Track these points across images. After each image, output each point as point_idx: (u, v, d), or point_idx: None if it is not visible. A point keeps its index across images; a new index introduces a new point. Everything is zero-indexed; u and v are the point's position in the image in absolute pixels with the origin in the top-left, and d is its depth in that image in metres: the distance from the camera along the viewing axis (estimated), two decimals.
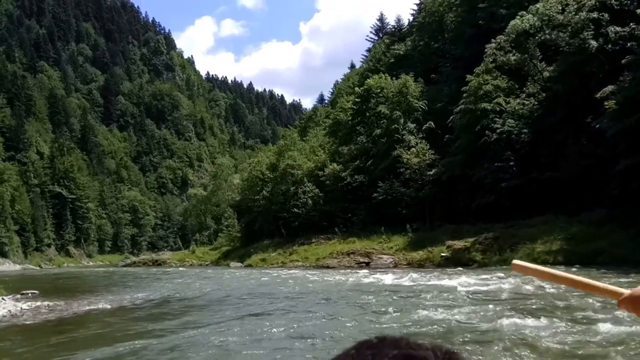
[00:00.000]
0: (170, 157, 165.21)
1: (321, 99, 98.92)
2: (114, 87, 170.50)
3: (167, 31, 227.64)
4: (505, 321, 10.26)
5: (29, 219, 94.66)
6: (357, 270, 29.79)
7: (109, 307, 16.04)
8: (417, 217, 38.70)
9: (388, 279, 21.53)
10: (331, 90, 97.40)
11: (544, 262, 24.34)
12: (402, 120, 43.05)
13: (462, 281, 17.84)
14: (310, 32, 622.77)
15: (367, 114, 48.31)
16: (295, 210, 48.84)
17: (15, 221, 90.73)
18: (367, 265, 32.86)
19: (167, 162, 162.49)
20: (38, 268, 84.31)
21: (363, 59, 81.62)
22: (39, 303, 17.02)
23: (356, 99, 50.21)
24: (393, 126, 42.93)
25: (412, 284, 18.76)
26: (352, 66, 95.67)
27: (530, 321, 10.18)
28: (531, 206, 31.75)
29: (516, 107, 34.18)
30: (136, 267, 61.07)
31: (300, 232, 47.85)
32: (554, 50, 32.14)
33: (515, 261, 1.62)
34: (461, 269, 26.20)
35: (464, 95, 36.72)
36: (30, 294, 22.11)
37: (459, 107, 36.34)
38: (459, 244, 30.97)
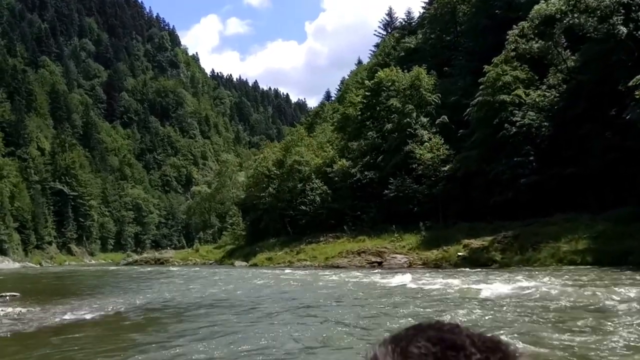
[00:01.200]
0: (175, 155, 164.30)
1: (328, 96, 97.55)
2: (118, 83, 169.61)
3: (171, 27, 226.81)
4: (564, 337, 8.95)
5: (29, 216, 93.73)
6: (370, 271, 28.54)
7: (89, 316, 14.07)
8: (430, 214, 37.34)
9: (407, 280, 20.21)
10: (338, 88, 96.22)
11: (571, 263, 23.09)
12: (414, 114, 41.69)
13: (492, 286, 16.43)
14: (315, 32, 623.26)
15: (378, 108, 46.97)
16: (303, 207, 47.58)
17: (15, 218, 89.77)
18: (379, 265, 31.56)
19: (171, 159, 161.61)
20: (38, 266, 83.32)
21: (371, 54, 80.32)
22: (9, 309, 15.03)
23: (366, 93, 48.86)
24: (405, 120, 41.57)
25: (438, 287, 17.18)
26: (359, 62, 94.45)
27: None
28: (551, 203, 30.45)
29: (537, 99, 32.79)
30: (137, 266, 59.90)
31: (308, 231, 46.59)
32: (578, 38, 30.76)
33: None
34: (482, 269, 24.86)
35: (481, 87, 35.37)
36: (8, 297, 20.27)
37: (476, 100, 34.98)
38: (476, 242, 29.66)
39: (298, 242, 45.47)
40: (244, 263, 46.88)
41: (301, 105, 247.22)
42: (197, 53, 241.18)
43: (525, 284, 16.11)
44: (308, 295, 18.16)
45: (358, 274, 26.55)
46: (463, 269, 26.58)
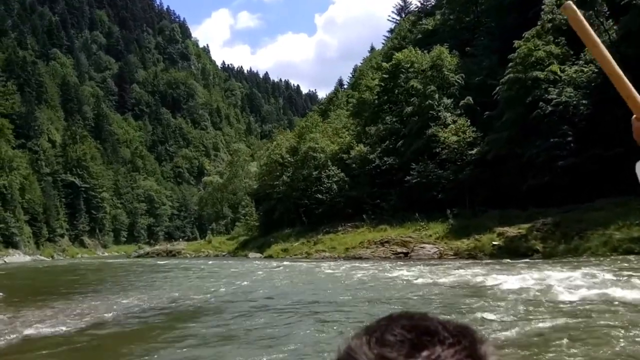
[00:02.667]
0: (186, 147, 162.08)
1: (340, 84, 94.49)
2: (129, 76, 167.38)
3: (182, 19, 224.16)
4: None
5: (41, 208, 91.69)
6: (397, 262, 25.89)
7: (63, 329, 11.18)
8: (455, 201, 34.54)
9: (447, 274, 17.52)
10: (350, 75, 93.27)
11: (628, 252, 20.30)
12: (436, 96, 38.86)
13: (557, 279, 13.67)
14: (325, 24, 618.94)
15: (396, 91, 44.17)
16: (319, 196, 44.92)
17: (26, 211, 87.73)
18: (405, 255, 28.91)
19: (183, 151, 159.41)
20: (49, 259, 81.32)
21: (385, 40, 77.27)
22: None
23: (383, 76, 46.02)
24: (427, 102, 38.74)
25: (514, 286, 14.09)
26: (372, 49, 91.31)
27: None
28: (592, 187, 27.63)
29: (573, 75, 29.87)
30: (148, 258, 57.64)
31: (325, 220, 43.95)
32: (622, 7, 27.78)
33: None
34: (527, 260, 22.15)
35: (510, 64, 32.51)
36: None
37: (506, 77, 32.10)
38: (511, 231, 26.90)
39: (314, 233, 42.87)
40: (259, 254, 44.37)
41: (312, 96, 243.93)
42: (207, 45, 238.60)
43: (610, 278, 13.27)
44: (340, 293, 15.54)
45: (384, 266, 23.91)
46: (502, 259, 23.88)
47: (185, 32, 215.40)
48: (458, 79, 39.42)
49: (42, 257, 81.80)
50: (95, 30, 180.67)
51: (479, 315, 10.06)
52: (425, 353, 0.59)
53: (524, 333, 8.33)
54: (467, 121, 35.36)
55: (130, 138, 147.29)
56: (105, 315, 13.53)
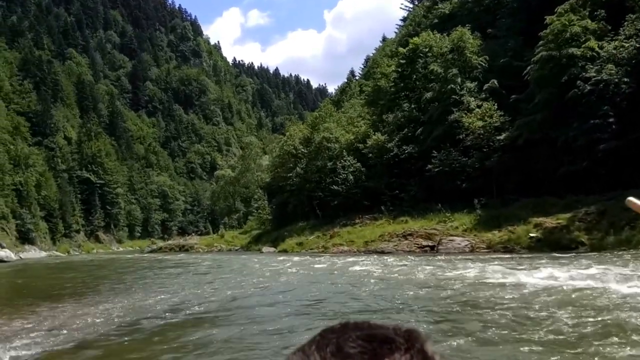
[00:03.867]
0: (199, 142, 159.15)
1: (352, 75, 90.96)
2: (142, 73, 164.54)
3: (193, 18, 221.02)
4: None
5: (57, 204, 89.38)
6: (426, 257, 22.72)
7: (29, 352, 8.38)
8: (481, 191, 31.23)
9: (495, 271, 14.29)
10: (362, 66, 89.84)
11: None
12: (459, 80, 35.46)
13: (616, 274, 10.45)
14: (334, 20, 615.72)
15: (414, 76, 40.91)
16: (335, 187, 41.67)
17: (42, 207, 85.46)
18: (432, 249, 25.73)
19: (195, 146, 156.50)
20: (65, 255, 78.83)
21: (398, 28, 73.81)
22: None
23: (400, 61, 42.69)
24: (448, 87, 35.37)
25: (561, 283, 11.02)
26: (384, 39, 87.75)
27: None
28: (635, 172, 24.30)
29: (613, 52, 26.48)
30: (160, 254, 54.76)
31: (340, 212, 40.79)
32: None
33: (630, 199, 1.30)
34: (574, 254, 18.91)
35: (541, 42, 29.16)
36: None
37: (537, 56, 28.72)
38: (549, 221, 23.66)
39: (330, 225, 39.73)
40: (272, 249, 41.30)
41: (322, 90, 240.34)
42: (218, 42, 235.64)
43: None
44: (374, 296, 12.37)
45: (411, 260, 20.73)
46: (543, 253, 20.66)
47: (197, 30, 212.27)
48: (481, 61, 36.01)
49: (58, 253, 79.37)
50: (109, 29, 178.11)
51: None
52: None
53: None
54: (493, 104, 31.96)
55: (143, 134, 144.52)
56: (92, 326, 10.50)
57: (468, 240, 24.73)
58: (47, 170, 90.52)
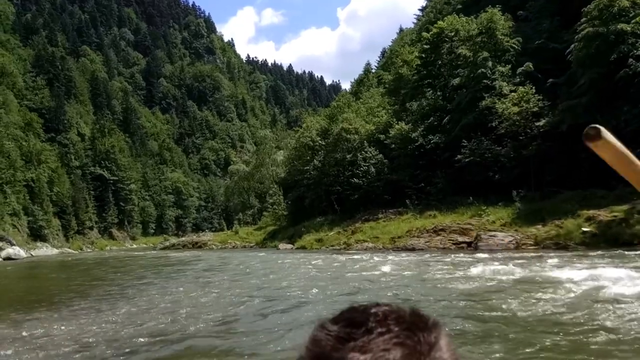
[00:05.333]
0: (213, 139, 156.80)
1: (368, 67, 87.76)
2: (156, 70, 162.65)
3: (207, 15, 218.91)
4: None
5: (70, 201, 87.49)
6: (465, 254, 19.97)
7: None
8: (517, 182, 28.42)
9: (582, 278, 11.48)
10: (378, 59, 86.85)
11: None
12: (489, 64, 32.57)
13: None
14: (347, 18, 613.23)
15: (439, 62, 38.06)
16: (355, 180, 38.93)
17: (55, 204, 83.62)
18: (469, 246, 22.97)
19: (209, 143, 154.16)
20: (77, 252, 76.80)
21: (416, 18, 70.85)
22: None
23: (424, 46, 39.82)
24: (478, 71, 32.48)
25: None
26: (401, 30, 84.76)
27: None
28: None
29: None
30: (172, 251, 52.46)
31: (361, 207, 38.11)
32: None
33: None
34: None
35: (584, 18, 26.25)
36: None
37: (581, 33, 25.79)
38: (603, 214, 20.80)
39: (351, 221, 37.07)
40: (289, 245, 38.70)
41: (336, 87, 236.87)
42: (232, 39, 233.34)
43: None
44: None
45: (455, 257, 18.01)
46: (603, 249, 17.84)
47: (211, 27, 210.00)
48: (514, 43, 33.07)
49: (70, 250, 77.32)
50: (123, 27, 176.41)
51: None
52: (351, 344, 0.57)
53: None
54: (531, 88, 29.02)
55: (157, 131, 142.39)
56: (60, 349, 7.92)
57: (512, 236, 21.90)
58: (59, 166, 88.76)
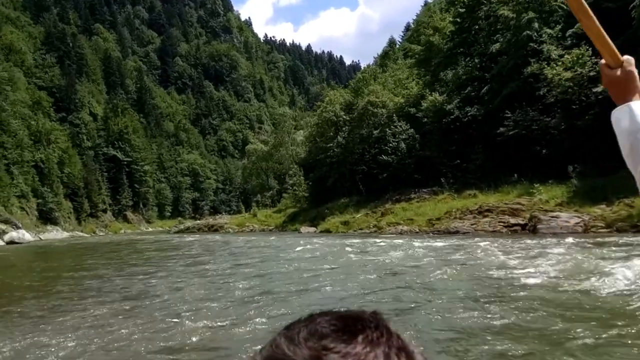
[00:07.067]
0: (230, 119, 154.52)
1: (392, 42, 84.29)
2: (171, 49, 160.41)
3: None
4: None
5: (82, 183, 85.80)
6: (526, 239, 17.33)
7: None
8: (567, 157, 25.59)
9: None
10: (402, 34, 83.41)
11: None
12: (535, 25, 29.56)
13: None
14: None
15: (477, 26, 35.07)
16: (383, 157, 36.25)
17: (66, 185, 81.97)
18: (524, 228, 20.28)
19: (226, 124, 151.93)
20: (89, 235, 75.29)
21: None
22: None
23: (459, 10, 36.80)
24: (523, 34, 29.51)
25: None
26: (425, 3, 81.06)
27: None
28: None
29: None
30: (187, 234, 50.47)
31: (390, 187, 35.48)
32: None
33: None
34: None
35: None
36: None
37: None
38: None
39: (379, 202, 34.57)
40: (312, 229, 36.31)
41: (355, 67, 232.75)
42: (249, 18, 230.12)
43: None
44: None
45: (513, 243, 15.44)
46: None
47: (227, 6, 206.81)
48: (562, 2, 29.96)
49: (81, 234, 75.77)
50: (137, 5, 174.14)
51: None
52: (361, 337, 0.58)
53: None
54: (587, 50, 26.00)
55: (173, 111, 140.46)
56: None
57: (578, 217, 19.10)
58: (70, 146, 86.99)
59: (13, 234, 51.70)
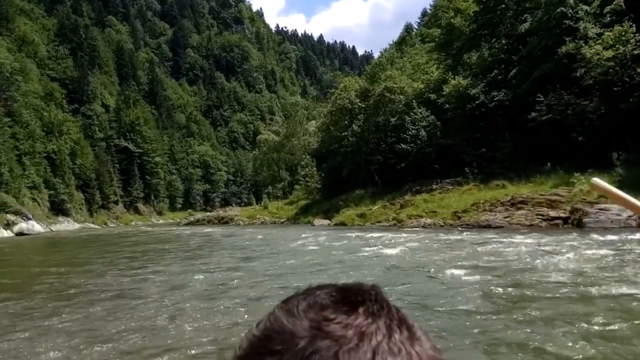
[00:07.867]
0: (241, 111, 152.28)
1: (409, 27, 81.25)
2: (183, 41, 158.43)
3: None
4: None
5: (93, 174, 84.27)
6: (575, 234, 14.88)
7: None
8: (606, 144, 23.05)
9: None
10: (418, 20, 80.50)
11: None
12: (571, 1, 26.93)
13: None
14: None
15: (503, 5, 32.44)
16: (402, 146, 33.79)
17: (78, 177, 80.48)
18: (566, 222, 17.84)
19: (238, 115, 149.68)
20: (100, 226, 73.65)
21: None
22: None
23: None
24: (557, 11, 26.90)
25: None
26: None
27: None
28: None
29: None
30: (198, 226, 48.40)
31: (409, 177, 33.06)
32: None
33: (595, 179, 1.47)
34: None
35: None
36: None
37: None
38: None
39: (397, 193, 32.20)
40: (326, 221, 33.94)
41: (368, 57, 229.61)
42: (261, 9, 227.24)
43: None
44: None
45: (574, 241, 13.04)
46: None
47: None
48: None
49: (93, 225, 74.20)
50: None
51: None
52: (362, 309, 0.57)
53: None
54: (631, 26, 23.34)
55: (184, 103, 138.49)
56: None
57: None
58: (82, 138, 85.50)
59: (22, 225, 50.04)
